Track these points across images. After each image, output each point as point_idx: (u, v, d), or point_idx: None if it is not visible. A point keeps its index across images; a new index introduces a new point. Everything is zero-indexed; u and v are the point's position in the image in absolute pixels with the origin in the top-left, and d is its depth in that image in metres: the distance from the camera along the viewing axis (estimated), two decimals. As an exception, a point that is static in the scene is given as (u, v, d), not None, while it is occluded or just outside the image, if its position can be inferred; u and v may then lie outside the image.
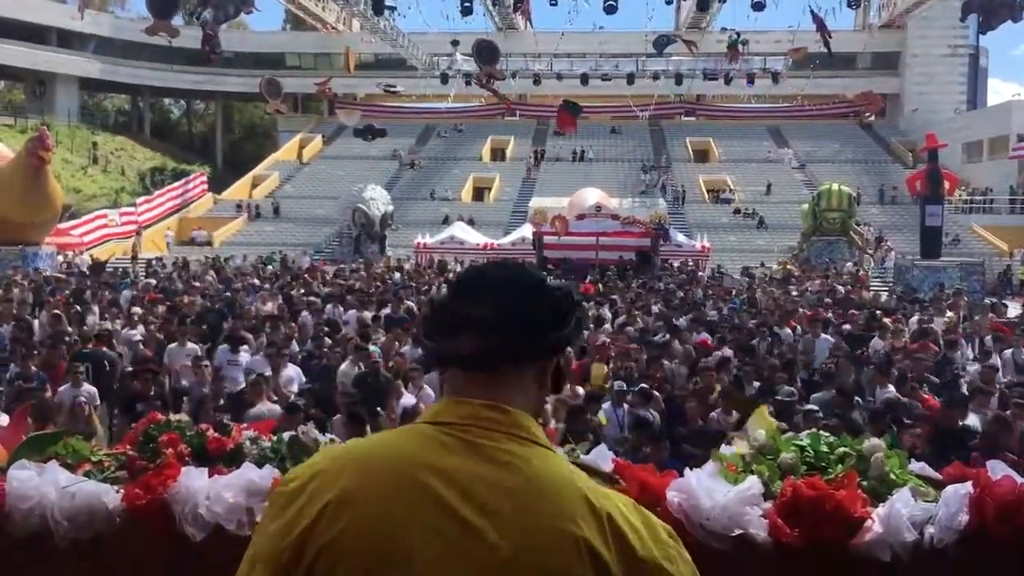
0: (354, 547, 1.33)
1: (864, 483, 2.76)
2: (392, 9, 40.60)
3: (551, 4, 38.38)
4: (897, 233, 37.55)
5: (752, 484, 2.70)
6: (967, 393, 8.73)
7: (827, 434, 3.07)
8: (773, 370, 9.60)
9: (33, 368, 9.58)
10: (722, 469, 2.85)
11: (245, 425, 3.50)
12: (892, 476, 2.82)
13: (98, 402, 8.85)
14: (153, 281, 19.83)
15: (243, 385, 10.13)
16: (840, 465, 2.84)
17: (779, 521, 2.60)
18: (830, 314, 15.04)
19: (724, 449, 3.09)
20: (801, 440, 2.98)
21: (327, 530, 1.35)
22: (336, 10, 57.20)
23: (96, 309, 14.44)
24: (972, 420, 7.91)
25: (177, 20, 30.11)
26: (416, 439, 1.43)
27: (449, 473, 1.37)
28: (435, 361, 1.58)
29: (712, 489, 2.68)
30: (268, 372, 9.86)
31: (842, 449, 2.91)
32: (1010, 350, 11.60)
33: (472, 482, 1.36)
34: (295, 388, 9.68)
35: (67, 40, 56.21)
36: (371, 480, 1.37)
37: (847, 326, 13.62)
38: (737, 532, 2.60)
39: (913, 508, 2.64)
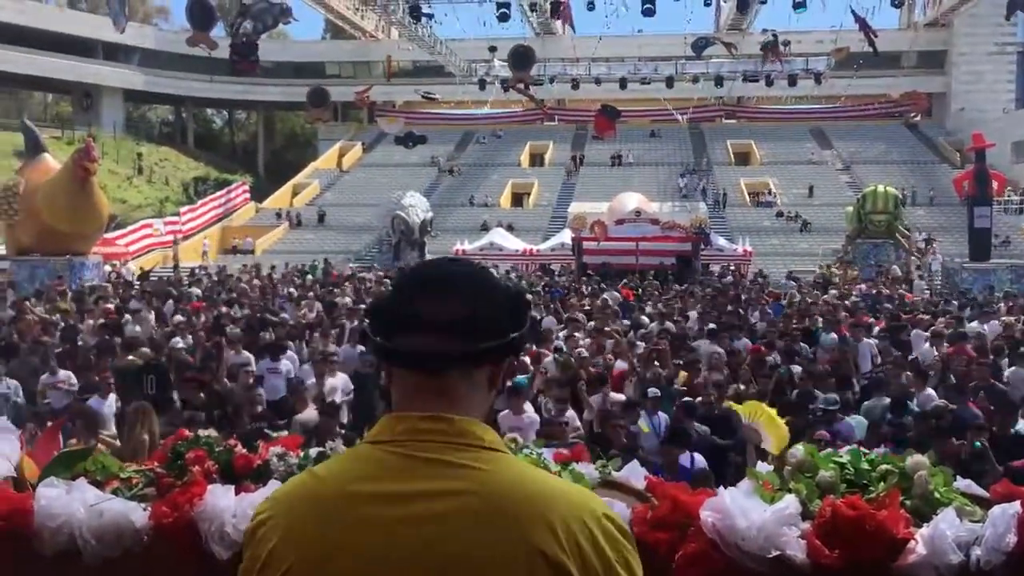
0: None
1: (907, 502, 2.66)
2: (430, 16, 40.83)
3: (588, 9, 38.31)
4: (945, 235, 36.84)
5: (789, 503, 2.61)
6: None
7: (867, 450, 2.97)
8: (819, 376, 9.42)
9: (95, 379, 9.72)
10: (758, 487, 2.77)
11: (276, 438, 3.49)
12: (936, 495, 2.71)
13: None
14: (197, 290, 20.06)
15: (283, 393, 10.22)
16: (882, 483, 2.74)
17: (818, 542, 2.51)
18: (870, 319, 14.78)
19: (760, 466, 3.01)
20: (841, 457, 2.89)
21: (275, 572, 1.34)
22: (375, 19, 57.64)
23: (151, 317, 14.63)
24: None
25: (219, 32, 30.55)
26: (357, 463, 1.40)
27: (389, 494, 1.33)
28: (384, 360, 1.47)
29: (748, 508, 2.59)
30: (312, 380, 9.92)
31: (884, 466, 2.80)
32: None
33: (414, 500, 1.32)
34: (339, 397, 9.66)
35: (112, 53, 57.29)
36: (313, 517, 1.35)
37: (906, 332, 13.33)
38: (774, 553, 2.52)
39: (959, 529, 2.53)
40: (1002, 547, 2.46)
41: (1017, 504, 2.55)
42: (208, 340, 12.28)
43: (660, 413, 8.05)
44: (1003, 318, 14.95)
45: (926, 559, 2.47)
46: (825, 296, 18.97)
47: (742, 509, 2.58)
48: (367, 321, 1.50)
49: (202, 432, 3.17)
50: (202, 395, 9.30)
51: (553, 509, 1.31)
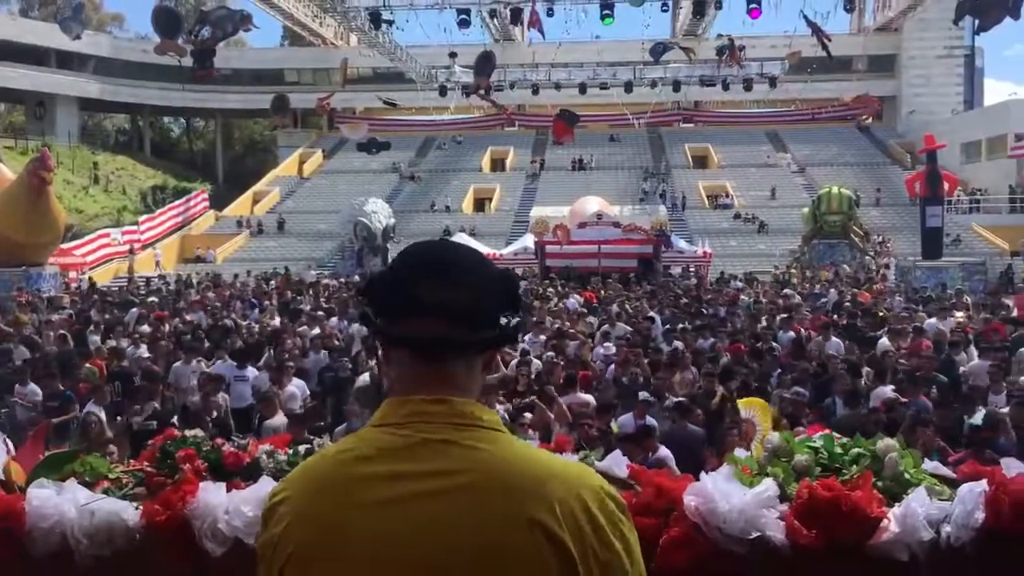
0: (306, 569, 1.38)
1: (879, 483, 2.77)
2: (390, 23, 40.71)
3: (548, 15, 38.53)
4: (897, 234, 37.56)
5: (768, 486, 2.70)
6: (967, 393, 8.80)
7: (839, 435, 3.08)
8: (804, 374, 9.64)
9: (60, 387, 9.66)
10: (737, 472, 2.86)
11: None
12: (907, 476, 2.82)
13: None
14: (155, 299, 19.85)
15: (250, 400, 10.19)
16: (854, 466, 2.85)
17: (796, 523, 2.60)
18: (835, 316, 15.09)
19: (738, 452, 3.10)
20: (814, 441, 2.99)
21: (283, 550, 1.40)
22: (334, 25, 57.38)
23: (99, 328, 14.49)
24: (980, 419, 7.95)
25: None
26: (363, 446, 1.43)
27: (394, 474, 1.37)
28: (384, 343, 1.48)
29: (728, 492, 2.68)
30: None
31: (856, 450, 2.91)
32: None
33: (418, 479, 1.36)
34: (297, 404, 9.65)
35: (67, 61, 56.37)
36: (321, 497, 1.40)
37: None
38: (755, 535, 2.61)
39: (929, 507, 2.64)
40: (971, 523, 2.57)
41: (983, 483, 2.66)
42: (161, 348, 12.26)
43: (646, 418, 8.00)
44: (958, 314, 15.35)
45: (899, 536, 2.57)
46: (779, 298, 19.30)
47: (723, 493, 2.67)
48: (366, 303, 1.51)
49: (188, 432, 3.20)
50: (156, 404, 9.30)
51: (551, 485, 1.36)
